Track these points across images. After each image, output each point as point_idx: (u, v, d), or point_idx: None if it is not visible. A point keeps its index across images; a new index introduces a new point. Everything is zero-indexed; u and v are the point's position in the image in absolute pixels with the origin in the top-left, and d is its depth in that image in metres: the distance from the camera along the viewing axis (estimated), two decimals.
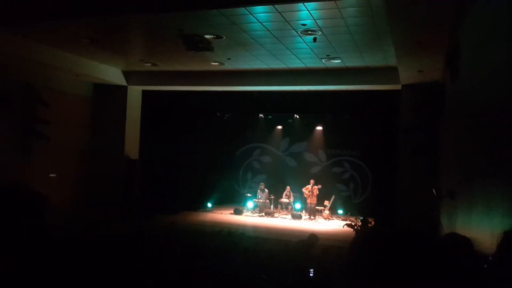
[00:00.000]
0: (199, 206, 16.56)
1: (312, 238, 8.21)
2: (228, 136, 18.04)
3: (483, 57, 4.39)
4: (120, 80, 13.99)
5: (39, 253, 1.70)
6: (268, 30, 8.76)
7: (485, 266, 1.87)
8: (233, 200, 17.68)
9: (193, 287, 5.10)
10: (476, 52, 4.88)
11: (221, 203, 17.13)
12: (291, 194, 16.09)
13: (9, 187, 1.72)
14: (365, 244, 1.38)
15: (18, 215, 1.68)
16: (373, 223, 12.12)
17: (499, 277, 1.69)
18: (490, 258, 1.81)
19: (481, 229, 4.06)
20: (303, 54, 10.63)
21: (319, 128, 17.38)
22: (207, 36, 9.25)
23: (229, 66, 12.25)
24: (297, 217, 15.15)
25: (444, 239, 2.50)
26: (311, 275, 6.00)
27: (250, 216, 15.72)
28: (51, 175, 12.49)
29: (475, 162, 4.70)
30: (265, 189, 16.29)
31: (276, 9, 7.49)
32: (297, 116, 17.24)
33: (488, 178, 3.88)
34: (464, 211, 5.55)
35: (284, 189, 16.20)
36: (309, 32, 8.71)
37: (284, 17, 7.92)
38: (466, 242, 2.37)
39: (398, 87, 11.71)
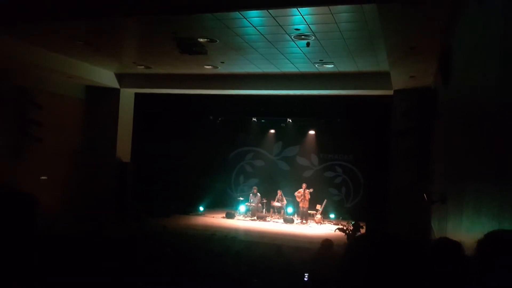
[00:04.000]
0: (191, 209, 16.50)
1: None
2: (220, 140, 18.01)
3: (475, 62, 4.43)
4: (113, 83, 13.94)
5: (28, 254, 1.69)
6: (261, 34, 8.78)
7: (472, 269, 1.89)
8: (225, 204, 17.65)
9: None
10: (468, 57, 4.92)
11: (213, 206, 17.08)
12: (283, 198, 16.09)
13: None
14: (357, 250, 1.40)
15: (8, 217, 1.67)
16: (364, 227, 12.18)
17: (483, 279, 1.71)
18: (474, 260, 1.83)
19: (471, 234, 4.09)
20: (296, 59, 10.67)
21: (312, 132, 17.44)
22: (201, 40, 9.25)
23: (223, 69, 12.25)
24: (289, 221, 15.16)
25: (435, 244, 2.52)
26: (305, 279, 6.01)
27: (242, 220, 15.71)
28: (42, 177, 12.41)
29: (466, 166, 4.74)
30: (258, 193, 16.26)
31: (269, 13, 7.52)
32: (290, 120, 17.26)
33: (479, 182, 3.91)
34: (455, 216, 5.58)
35: (276, 193, 16.20)
36: (303, 36, 8.75)
37: (277, 22, 7.95)
38: (456, 247, 2.40)
39: (390, 92, 11.77)
